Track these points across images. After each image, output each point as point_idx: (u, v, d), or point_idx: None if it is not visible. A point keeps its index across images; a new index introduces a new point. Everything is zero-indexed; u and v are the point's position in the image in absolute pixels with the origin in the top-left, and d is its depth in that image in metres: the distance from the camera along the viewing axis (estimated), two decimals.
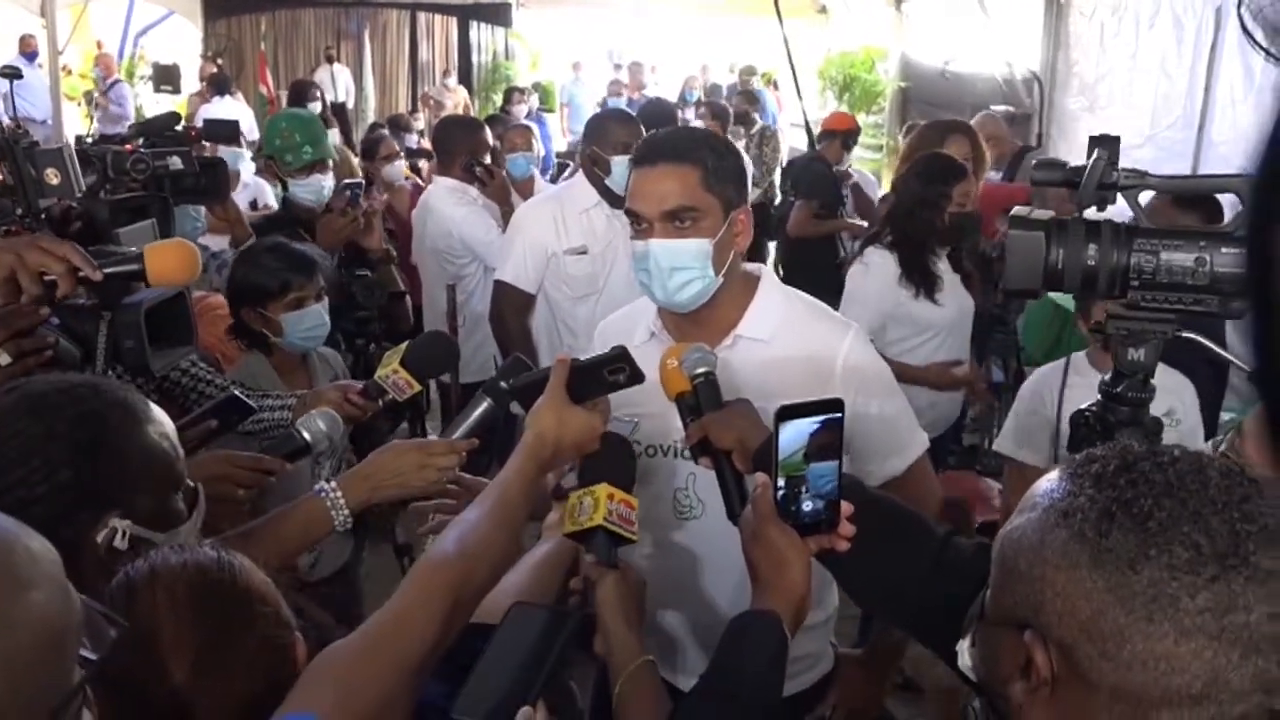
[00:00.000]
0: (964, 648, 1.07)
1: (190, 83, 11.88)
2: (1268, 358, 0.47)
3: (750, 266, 1.98)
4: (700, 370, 1.60)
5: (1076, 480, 0.93)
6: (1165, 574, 0.85)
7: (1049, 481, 0.96)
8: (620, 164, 3.16)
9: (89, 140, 3.42)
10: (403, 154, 7.53)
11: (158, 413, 1.36)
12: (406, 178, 7.17)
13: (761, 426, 1.51)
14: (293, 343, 2.57)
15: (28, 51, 10.59)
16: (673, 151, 1.81)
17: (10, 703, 0.78)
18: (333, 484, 1.69)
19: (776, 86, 12.29)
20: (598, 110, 8.63)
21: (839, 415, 1.32)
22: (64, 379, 1.36)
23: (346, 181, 3.71)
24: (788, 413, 1.30)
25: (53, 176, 1.91)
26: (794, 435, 1.30)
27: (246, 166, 5.55)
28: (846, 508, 1.34)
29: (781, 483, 1.31)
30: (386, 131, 7.64)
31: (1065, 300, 4.33)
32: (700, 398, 1.59)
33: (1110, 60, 7.19)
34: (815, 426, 1.30)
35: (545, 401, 1.49)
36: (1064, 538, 0.90)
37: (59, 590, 0.84)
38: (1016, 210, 1.45)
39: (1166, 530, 0.86)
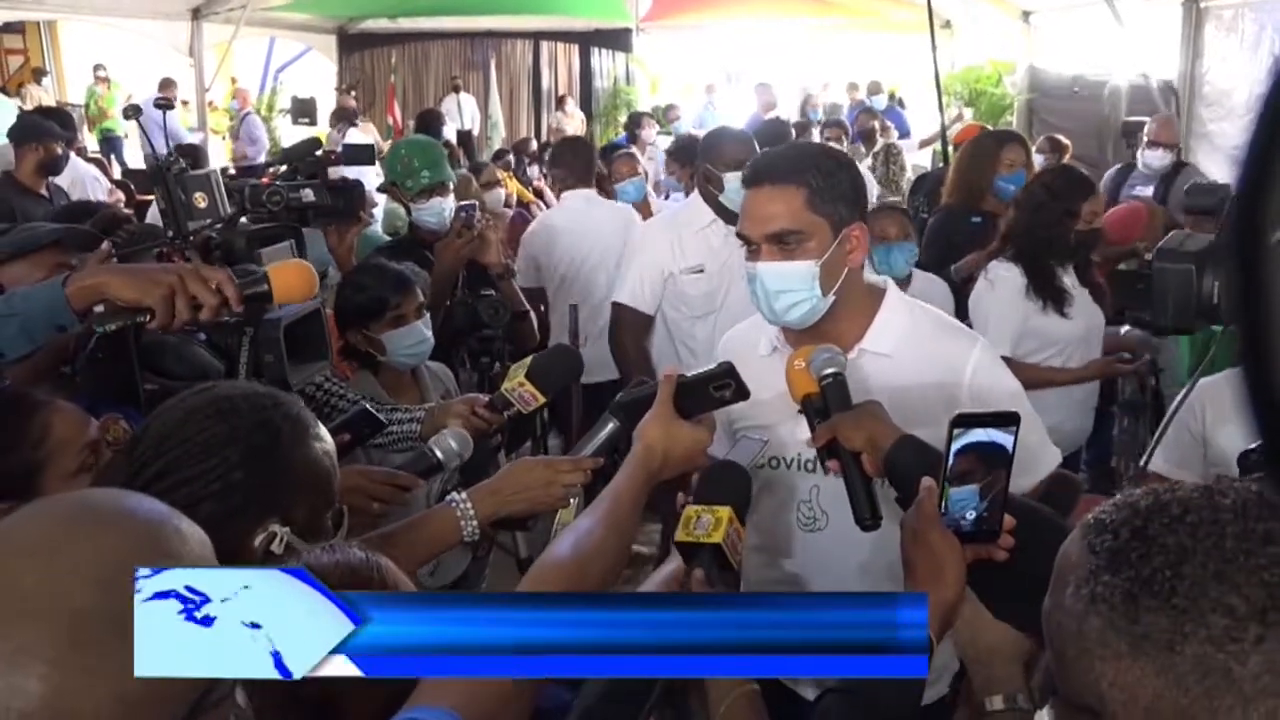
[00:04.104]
0: (1042, 717, 1.03)
1: (326, 115, 12.40)
2: (1259, 378, 0.42)
3: (875, 280, 1.96)
4: (829, 371, 1.58)
5: (1095, 557, 0.88)
6: (1208, 648, 0.81)
7: (1073, 552, 0.92)
8: (734, 180, 3.12)
9: (229, 173, 3.55)
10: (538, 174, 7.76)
11: (324, 431, 1.42)
12: (527, 204, 7.35)
13: (894, 429, 1.50)
14: (398, 360, 2.66)
15: (165, 93, 11.18)
16: (777, 173, 1.81)
17: None
18: (464, 495, 1.73)
19: (902, 104, 12.08)
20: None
21: (1013, 429, 1.30)
22: (249, 386, 1.44)
23: (460, 204, 3.79)
24: (963, 421, 1.30)
25: (201, 200, 2.04)
26: (960, 444, 1.30)
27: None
28: (1008, 520, 1.32)
29: (949, 489, 1.31)
30: (511, 158, 7.86)
31: None
32: (828, 399, 1.57)
33: (1251, 70, 6.90)
34: (983, 437, 1.30)
35: (653, 415, 1.52)
36: (1099, 626, 0.87)
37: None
38: (1165, 241, 1.38)
39: (1196, 601, 0.82)
